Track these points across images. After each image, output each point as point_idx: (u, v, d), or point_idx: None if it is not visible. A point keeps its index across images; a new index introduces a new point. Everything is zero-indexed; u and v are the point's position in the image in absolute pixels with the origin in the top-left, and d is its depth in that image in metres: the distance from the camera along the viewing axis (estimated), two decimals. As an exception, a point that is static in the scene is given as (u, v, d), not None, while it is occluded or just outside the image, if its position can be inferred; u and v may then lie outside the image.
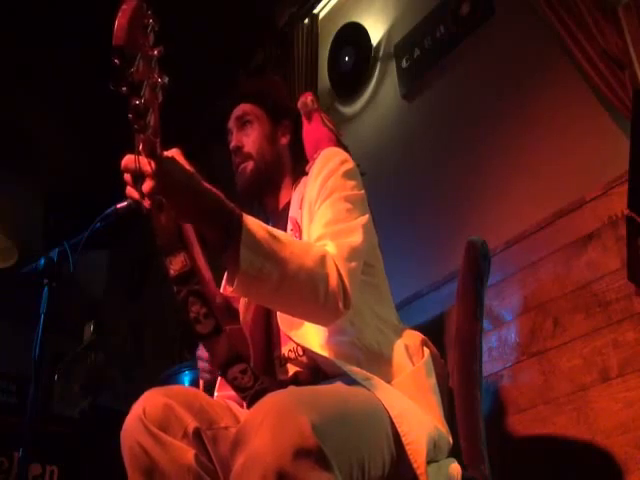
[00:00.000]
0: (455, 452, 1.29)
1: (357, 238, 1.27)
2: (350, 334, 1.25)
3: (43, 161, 4.08)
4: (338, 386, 1.16)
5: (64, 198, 4.28)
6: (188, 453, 1.15)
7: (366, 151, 2.91)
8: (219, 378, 1.39)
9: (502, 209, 2.40)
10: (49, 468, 2.24)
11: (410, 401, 1.21)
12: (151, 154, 0.99)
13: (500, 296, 2.21)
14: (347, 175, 1.37)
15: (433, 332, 1.47)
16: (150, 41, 0.94)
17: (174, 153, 1.14)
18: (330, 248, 1.21)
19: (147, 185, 1.01)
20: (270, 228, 1.15)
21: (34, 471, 2.20)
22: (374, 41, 3.21)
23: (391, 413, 1.14)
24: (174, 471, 1.13)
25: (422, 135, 2.86)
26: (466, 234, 1.64)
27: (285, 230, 1.40)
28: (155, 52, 0.95)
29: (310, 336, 1.26)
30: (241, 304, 1.45)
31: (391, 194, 2.81)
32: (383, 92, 3.12)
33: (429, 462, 1.12)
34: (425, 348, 1.36)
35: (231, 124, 1.54)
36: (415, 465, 1.09)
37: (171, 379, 2.71)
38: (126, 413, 1.20)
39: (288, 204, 1.47)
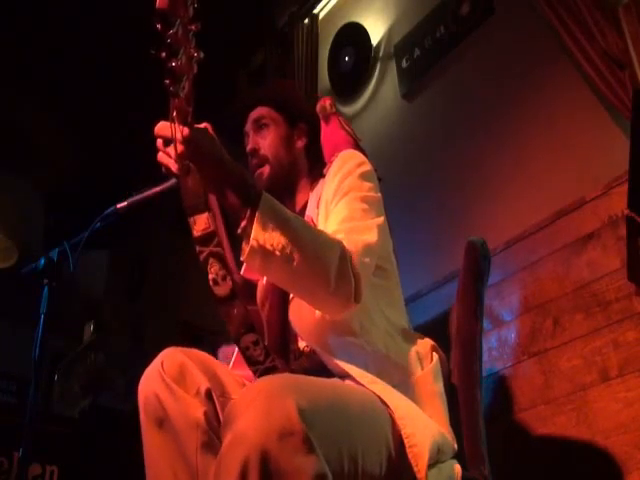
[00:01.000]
0: (455, 452, 1.29)
1: (372, 237, 1.27)
2: (359, 336, 1.25)
3: (43, 161, 4.08)
4: (336, 381, 1.17)
5: (64, 198, 4.27)
6: (199, 409, 1.18)
7: (366, 151, 2.90)
8: (235, 354, 1.39)
9: (502, 209, 2.40)
10: (49, 468, 2.24)
11: (415, 406, 1.21)
12: (184, 122, 1.05)
13: (500, 296, 2.21)
14: (364, 177, 1.38)
15: (433, 332, 1.47)
16: (190, 14, 0.97)
17: (206, 126, 1.18)
18: (344, 242, 1.22)
19: (177, 149, 1.08)
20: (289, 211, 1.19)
21: (34, 471, 2.20)
22: (374, 41, 3.21)
23: (396, 414, 1.14)
24: (183, 424, 1.17)
25: (422, 135, 2.86)
26: (466, 234, 1.64)
27: None
28: (193, 26, 0.97)
29: (319, 335, 1.26)
30: (259, 298, 1.46)
31: (391, 194, 2.80)
32: (383, 92, 3.12)
33: (431, 466, 1.12)
34: (434, 354, 1.36)
35: (248, 127, 1.55)
36: (416, 469, 1.10)
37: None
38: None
39: (305, 206, 1.48)
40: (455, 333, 1.50)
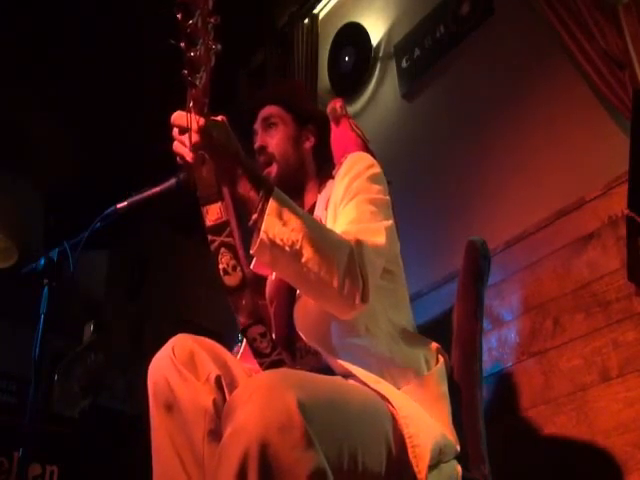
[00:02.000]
0: (457, 453, 1.29)
1: (380, 239, 1.27)
2: (364, 339, 1.25)
3: (43, 161, 4.07)
4: (338, 378, 1.17)
5: (64, 198, 4.27)
6: (208, 397, 1.19)
7: (367, 151, 2.91)
8: (243, 345, 1.39)
9: (502, 209, 2.40)
10: (49, 468, 2.24)
11: (419, 407, 1.21)
12: (200, 112, 1.07)
13: (500, 296, 2.21)
14: (373, 179, 1.39)
15: (433, 332, 1.47)
16: (209, 7, 0.98)
17: (222, 118, 1.19)
18: (353, 244, 1.22)
19: (193, 139, 1.10)
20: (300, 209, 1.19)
21: (34, 471, 2.20)
22: (374, 41, 3.21)
23: (399, 414, 1.14)
24: (192, 410, 1.18)
25: (422, 135, 2.86)
26: (466, 234, 1.65)
27: None
28: (212, 19, 0.99)
29: (322, 335, 1.26)
30: (268, 294, 1.46)
31: (390, 194, 2.80)
32: (383, 92, 3.12)
33: (432, 467, 1.12)
34: (440, 356, 1.36)
35: (257, 125, 1.56)
36: (417, 469, 1.10)
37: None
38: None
39: (313, 207, 1.48)
40: (455, 333, 1.50)
